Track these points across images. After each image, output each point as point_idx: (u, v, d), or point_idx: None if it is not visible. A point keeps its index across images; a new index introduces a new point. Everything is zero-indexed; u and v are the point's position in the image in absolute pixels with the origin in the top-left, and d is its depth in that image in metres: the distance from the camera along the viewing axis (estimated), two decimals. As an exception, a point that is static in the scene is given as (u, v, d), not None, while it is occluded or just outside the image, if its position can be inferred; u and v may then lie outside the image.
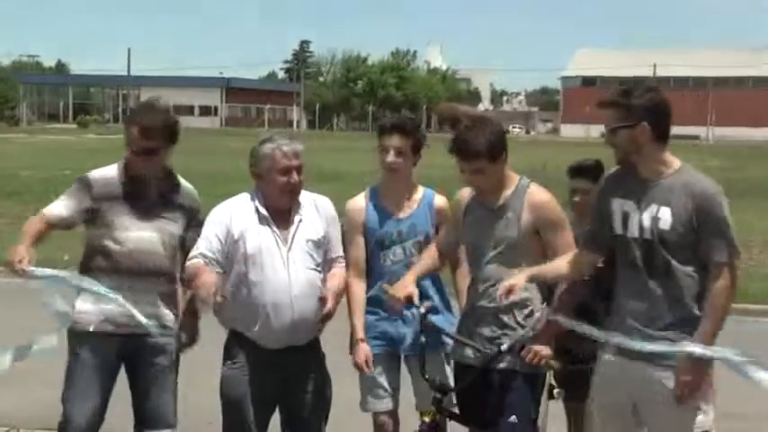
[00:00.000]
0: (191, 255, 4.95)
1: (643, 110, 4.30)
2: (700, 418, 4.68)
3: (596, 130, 67.02)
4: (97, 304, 4.93)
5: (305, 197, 5.14)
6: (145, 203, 5.10)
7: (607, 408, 4.55)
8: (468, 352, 4.90)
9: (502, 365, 4.78)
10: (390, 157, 5.07)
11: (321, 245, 4.95)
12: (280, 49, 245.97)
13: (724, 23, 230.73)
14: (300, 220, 5.02)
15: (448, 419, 4.99)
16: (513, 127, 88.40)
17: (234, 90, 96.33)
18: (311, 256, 4.95)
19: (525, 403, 4.89)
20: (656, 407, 4.40)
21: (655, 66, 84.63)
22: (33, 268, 4.83)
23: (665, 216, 4.32)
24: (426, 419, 4.88)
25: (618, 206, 4.47)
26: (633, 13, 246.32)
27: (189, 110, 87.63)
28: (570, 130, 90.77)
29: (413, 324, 5.12)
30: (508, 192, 4.86)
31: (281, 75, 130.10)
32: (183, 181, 5.35)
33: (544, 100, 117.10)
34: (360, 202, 5.36)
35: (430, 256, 5.19)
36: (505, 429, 4.83)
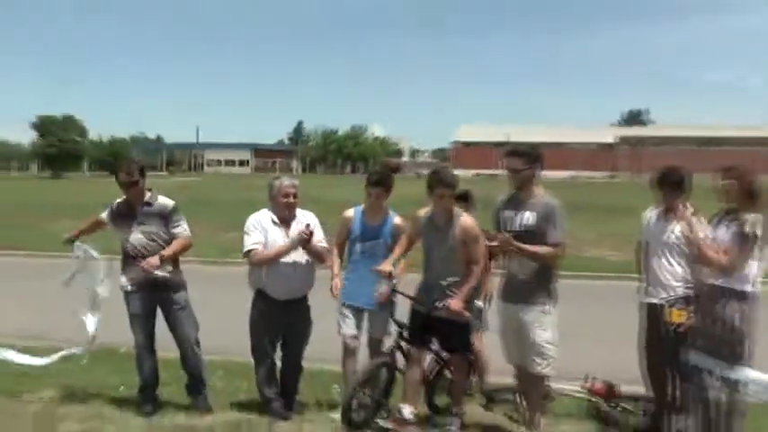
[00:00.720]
0: (252, 245, 7.06)
1: (535, 159, 6.48)
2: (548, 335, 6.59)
3: (471, 173, 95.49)
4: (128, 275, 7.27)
5: (298, 212, 7.18)
6: (134, 217, 7.22)
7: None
8: (420, 306, 6.84)
9: (437, 314, 6.66)
10: (372, 198, 7.22)
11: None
12: (285, 124, 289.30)
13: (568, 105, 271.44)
14: (296, 225, 7.07)
15: (404, 344, 6.91)
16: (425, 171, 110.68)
17: (259, 150, 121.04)
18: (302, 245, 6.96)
19: (462, 335, 6.83)
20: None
21: (509, 135, 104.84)
22: (79, 244, 7.46)
23: (531, 217, 6.47)
24: (394, 344, 6.90)
25: (505, 214, 6.63)
26: (500, 96, 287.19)
27: (233, 162, 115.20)
28: (458, 173, 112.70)
29: (369, 291, 7.02)
30: (449, 216, 6.71)
31: (286, 140, 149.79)
32: (159, 198, 7.29)
33: (441, 155, 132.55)
34: (350, 212, 7.35)
35: (401, 246, 6.98)
36: (451, 351, 6.90)
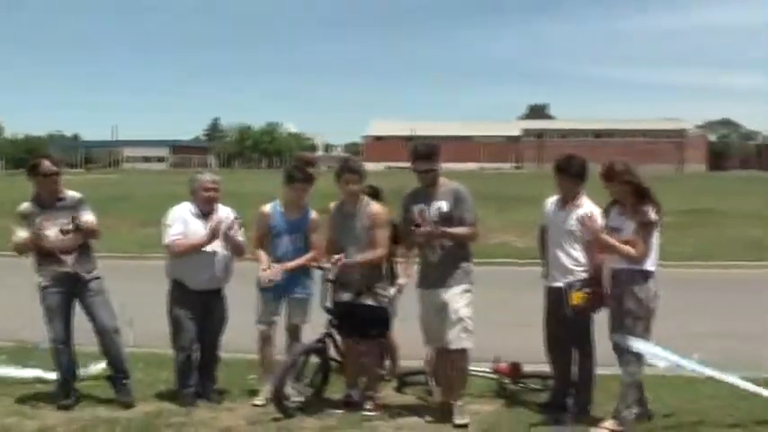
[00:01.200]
0: (172, 236, 7.09)
1: (437, 156, 6.79)
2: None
3: (382, 167, 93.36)
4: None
5: (219, 207, 7.29)
6: (48, 212, 7.08)
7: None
8: (344, 294, 6.99)
9: (363, 301, 6.92)
10: (298, 195, 7.27)
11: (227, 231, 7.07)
12: (201, 121, 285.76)
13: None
14: (215, 216, 7.16)
15: (333, 330, 7.07)
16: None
17: (176, 147, 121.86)
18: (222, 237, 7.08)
19: (377, 322, 7.02)
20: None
21: (413, 130, 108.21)
22: None
23: (444, 205, 6.70)
24: (326, 330, 7.02)
25: (416, 208, 6.79)
26: (410, 91, 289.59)
27: (150, 159, 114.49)
28: (369, 166, 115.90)
29: (291, 278, 7.21)
30: (358, 203, 6.97)
31: (202, 137, 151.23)
32: (68, 192, 7.17)
33: (354, 150, 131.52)
34: (267, 208, 7.38)
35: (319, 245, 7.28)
36: (368, 337, 7.01)
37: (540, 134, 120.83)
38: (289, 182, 7.34)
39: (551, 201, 7.12)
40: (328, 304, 7.14)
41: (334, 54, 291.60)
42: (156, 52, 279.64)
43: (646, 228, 6.48)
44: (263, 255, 7.35)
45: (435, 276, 6.86)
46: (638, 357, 6.53)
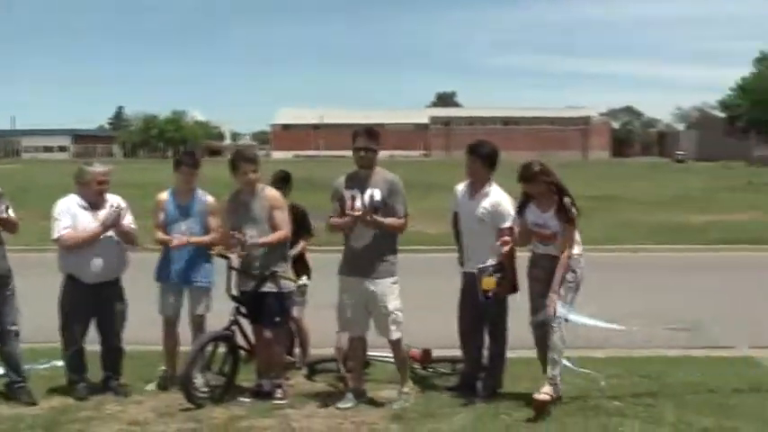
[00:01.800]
0: (62, 230, 6.93)
1: (378, 139, 6.88)
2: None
3: (291, 155, 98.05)
4: None
5: (107, 196, 7.18)
6: None
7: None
8: (248, 282, 7.02)
9: (266, 289, 6.95)
10: (185, 178, 7.33)
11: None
12: (105, 110, 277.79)
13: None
14: (106, 209, 7.04)
15: (240, 318, 7.08)
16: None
17: (79, 136, 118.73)
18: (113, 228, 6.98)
19: (282, 309, 7.07)
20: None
21: (322, 117, 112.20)
22: None
23: (377, 194, 6.72)
24: (232, 318, 7.03)
25: (348, 193, 6.81)
26: (318, 79, 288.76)
27: (51, 149, 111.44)
28: (277, 155, 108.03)
29: (191, 267, 7.31)
30: (254, 190, 7.03)
31: (107, 126, 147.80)
32: None
33: (262, 138, 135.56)
34: (164, 195, 7.42)
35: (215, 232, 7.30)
36: (273, 324, 7.04)
37: (447, 122, 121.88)
38: (176, 167, 7.40)
39: (461, 187, 7.29)
40: (234, 292, 7.12)
41: (241, 41, 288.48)
42: (57, 40, 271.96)
43: (572, 224, 6.81)
44: (167, 239, 7.30)
45: (361, 265, 6.88)
46: (562, 327, 6.69)
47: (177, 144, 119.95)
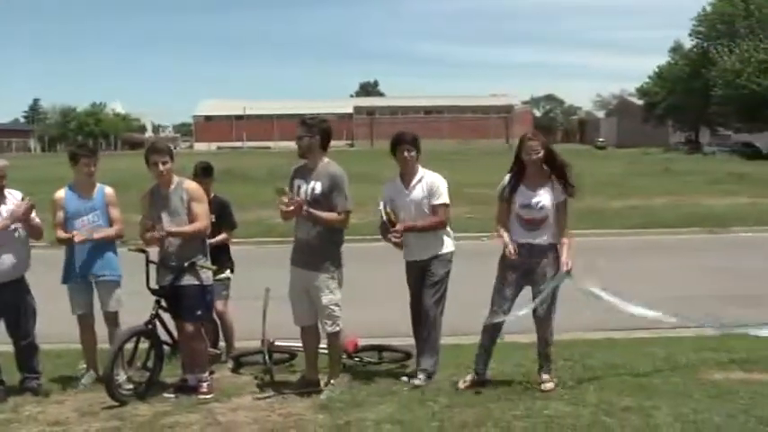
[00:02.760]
0: None
1: (318, 130, 6.82)
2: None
3: (214, 146, 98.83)
4: None
5: (6, 191, 7.07)
6: None
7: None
8: (166, 276, 6.96)
9: (185, 282, 6.93)
10: (87, 170, 7.19)
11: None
12: (20, 103, 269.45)
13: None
14: (6, 204, 6.98)
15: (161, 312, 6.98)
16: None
17: None
18: (13, 225, 6.88)
19: (203, 302, 7.05)
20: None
21: (245, 108, 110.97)
22: None
23: (318, 186, 6.76)
24: (153, 312, 6.93)
25: (296, 183, 6.89)
26: (240, 70, 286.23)
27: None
28: (200, 147, 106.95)
29: (96, 262, 7.21)
30: (174, 185, 6.99)
31: (21, 119, 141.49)
32: None
33: (184, 130, 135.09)
34: (61, 193, 7.28)
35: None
36: (195, 318, 7.00)
37: (371, 111, 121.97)
38: (74, 160, 7.25)
39: (392, 181, 7.39)
40: (154, 286, 7.06)
41: (163, 31, 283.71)
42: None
43: (572, 195, 6.90)
44: (68, 235, 7.14)
45: (303, 256, 6.93)
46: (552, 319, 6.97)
47: (97, 137, 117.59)
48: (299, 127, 6.87)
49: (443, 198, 7.18)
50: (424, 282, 7.22)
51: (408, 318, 7.48)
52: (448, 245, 7.28)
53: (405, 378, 7.22)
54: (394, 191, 7.31)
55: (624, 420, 6.06)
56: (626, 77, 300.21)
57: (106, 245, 7.31)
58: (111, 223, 7.34)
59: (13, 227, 7.00)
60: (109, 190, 7.38)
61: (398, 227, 7.07)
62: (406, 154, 7.21)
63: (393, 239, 7.10)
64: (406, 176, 7.27)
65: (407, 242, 7.19)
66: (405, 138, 7.27)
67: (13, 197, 7.14)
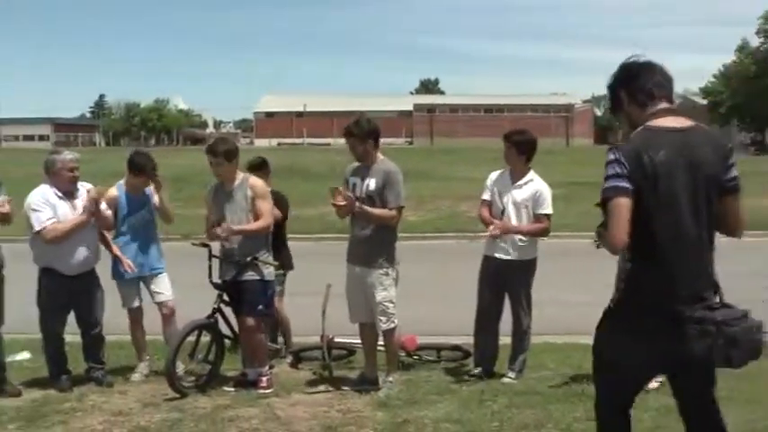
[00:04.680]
0: (46, 221, 6.82)
1: (368, 134, 6.83)
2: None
3: (275, 143, 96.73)
4: None
5: (79, 184, 7.18)
6: None
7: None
8: (228, 271, 7.06)
9: (248, 276, 6.99)
10: (141, 182, 7.39)
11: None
12: (86, 98, 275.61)
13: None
14: (81, 197, 7.07)
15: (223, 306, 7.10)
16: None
17: (60, 125, 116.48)
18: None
19: (265, 297, 7.08)
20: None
21: (305, 105, 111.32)
22: None
23: (372, 183, 6.77)
24: (215, 306, 7.04)
25: (352, 180, 6.91)
26: (301, 66, 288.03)
27: (31, 137, 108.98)
28: (260, 143, 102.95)
29: (148, 258, 7.45)
30: (238, 181, 7.03)
31: (88, 114, 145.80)
32: None
33: (245, 126, 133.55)
34: (114, 191, 7.42)
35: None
36: (256, 312, 7.04)
37: (431, 109, 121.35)
38: (139, 172, 7.41)
39: (502, 172, 7.36)
40: (216, 280, 7.13)
41: (225, 28, 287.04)
42: (37, 26, 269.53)
43: None
44: (111, 244, 7.37)
45: (358, 254, 6.95)
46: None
47: (160, 132, 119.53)
48: (350, 138, 6.87)
49: (548, 208, 7.17)
50: (513, 284, 7.22)
51: (466, 315, 7.43)
52: (536, 250, 7.28)
53: (506, 378, 7.21)
54: (501, 182, 7.32)
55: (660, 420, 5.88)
56: (689, 77, 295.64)
57: (152, 239, 7.56)
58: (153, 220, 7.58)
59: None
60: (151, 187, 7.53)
61: (499, 223, 7.06)
62: (506, 150, 7.25)
63: (491, 233, 7.06)
64: (515, 173, 7.27)
65: (503, 239, 7.14)
66: (508, 135, 7.33)
67: (86, 190, 7.23)
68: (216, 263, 7.17)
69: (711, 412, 4.08)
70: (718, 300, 3.84)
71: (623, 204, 3.70)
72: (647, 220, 3.73)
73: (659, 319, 3.76)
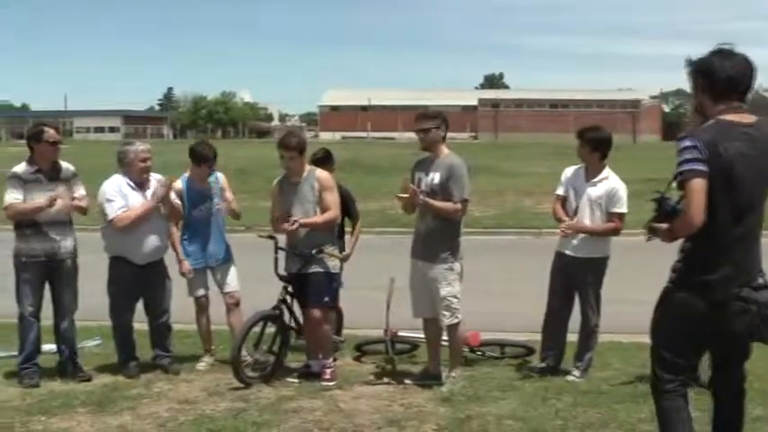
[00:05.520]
0: (118, 209, 7.00)
1: (443, 120, 6.95)
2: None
3: (339, 136, 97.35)
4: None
5: (151, 175, 7.32)
6: (43, 183, 6.92)
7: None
8: (294, 263, 7.08)
9: (313, 269, 7.01)
10: (204, 172, 7.45)
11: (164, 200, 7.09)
12: (155, 91, 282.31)
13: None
14: (152, 188, 7.20)
15: (289, 298, 7.15)
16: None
17: (129, 117, 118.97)
18: (160, 207, 7.16)
19: (330, 289, 7.14)
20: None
21: (369, 99, 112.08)
22: None
23: (436, 177, 6.76)
24: (281, 297, 7.07)
25: (417, 175, 6.88)
26: (366, 60, 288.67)
27: (102, 129, 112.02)
28: (325, 136, 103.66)
29: (215, 248, 7.51)
30: (305, 174, 7.09)
31: (156, 107, 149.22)
32: (63, 164, 7.15)
33: (310, 119, 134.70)
34: (179, 184, 7.44)
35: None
36: (321, 304, 7.07)
37: (495, 104, 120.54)
38: (201, 161, 7.48)
39: (577, 168, 7.30)
40: (282, 272, 7.16)
41: (290, 21, 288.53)
42: (106, 19, 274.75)
43: None
44: (177, 243, 7.51)
45: (422, 248, 6.94)
46: None
47: (226, 125, 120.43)
48: (425, 120, 6.86)
49: (623, 207, 7.09)
50: (582, 282, 7.15)
51: (530, 312, 7.38)
52: (608, 249, 7.20)
53: (571, 376, 7.13)
54: (576, 178, 7.26)
55: (756, 431, 5.69)
56: (762, 71, 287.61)
57: (219, 230, 7.60)
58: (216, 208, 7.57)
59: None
60: (221, 177, 7.62)
61: (570, 223, 7.02)
62: (579, 147, 7.20)
63: (562, 231, 7.05)
64: (590, 171, 7.20)
65: (575, 236, 7.09)
66: (581, 132, 7.29)
67: (156, 181, 7.35)
68: (282, 255, 7.20)
69: (740, 390, 4.56)
70: (761, 281, 4.21)
71: (702, 184, 4.01)
72: (715, 204, 4.04)
73: (714, 296, 4.12)
